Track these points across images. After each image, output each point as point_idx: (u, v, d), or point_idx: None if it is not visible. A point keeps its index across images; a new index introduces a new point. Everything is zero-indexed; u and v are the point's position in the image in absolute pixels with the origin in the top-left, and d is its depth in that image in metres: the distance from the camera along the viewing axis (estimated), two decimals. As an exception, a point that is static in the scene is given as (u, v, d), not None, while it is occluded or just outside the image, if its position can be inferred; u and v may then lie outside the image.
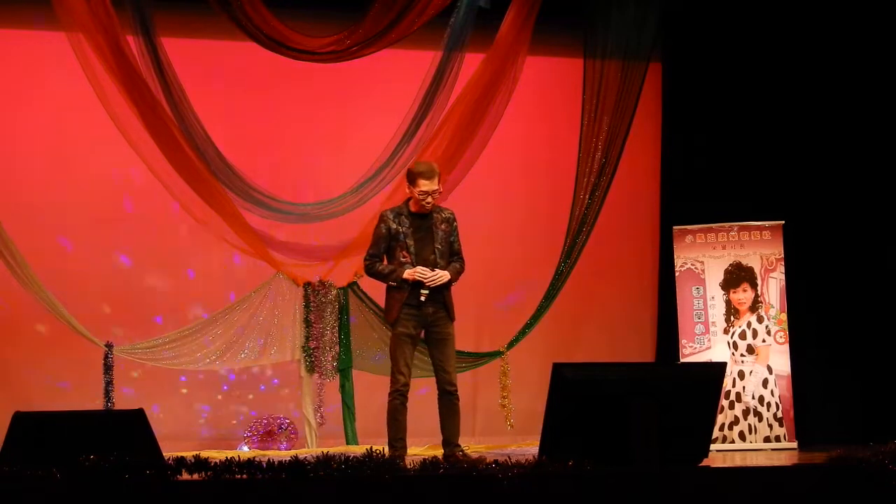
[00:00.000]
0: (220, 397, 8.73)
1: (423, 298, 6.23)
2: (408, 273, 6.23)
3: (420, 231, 6.33)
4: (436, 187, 6.27)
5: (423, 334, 6.43)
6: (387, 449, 6.30)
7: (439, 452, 6.22)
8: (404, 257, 6.29)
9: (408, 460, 5.08)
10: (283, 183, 8.39)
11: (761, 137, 8.99)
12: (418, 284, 6.24)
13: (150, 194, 8.25)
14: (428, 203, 6.29)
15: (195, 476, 4.46)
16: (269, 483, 4.40)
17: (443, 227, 6.37)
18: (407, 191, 6.39)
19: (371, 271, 6.43)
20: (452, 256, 6.44)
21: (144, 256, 8.68)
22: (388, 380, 8.53)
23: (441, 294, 6.33)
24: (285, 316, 8.30)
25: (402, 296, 6.28)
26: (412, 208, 6.36)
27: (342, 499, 4.44)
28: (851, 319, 8.72)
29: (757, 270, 8.41)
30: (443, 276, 6.27)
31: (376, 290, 8.40)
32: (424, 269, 6.23)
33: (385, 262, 6.40)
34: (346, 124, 8.98)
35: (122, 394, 7.93)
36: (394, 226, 6.33)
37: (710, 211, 8.65)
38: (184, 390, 8.64)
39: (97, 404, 7.78)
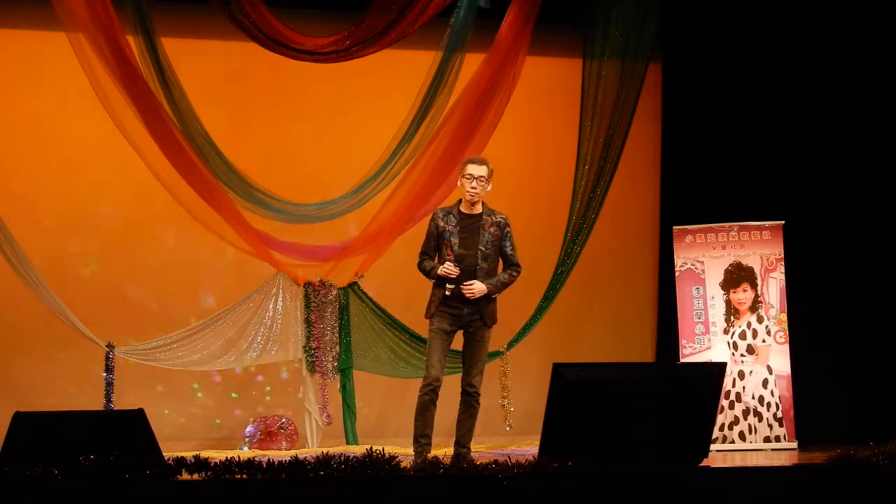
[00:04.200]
0: (220, 397, 8.74)
1: (447, 293, 6.23)
2: (439, 269, 6.25)
3: (466, 230, 6.32)
4: (482, 174, 6.28)
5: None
6: (412, 445, 6.31)
7: (440, 452, 6.22)
8: (448, 255, 6.30)
9: (407, 460, 5.08)
10: (283, 183, 8.38)
11: (761, 137, 8.99)
12: (451, 280, 6.24)
13: (151, 194, 8.24)
14: (473, 189, 6.28)
15: (195, 476, 4.46)
16: (269, 483, 4.40)
17: (492, 229, 6.36)
18: (458, 183, 6.42)
19: (419, 268, 6.44)
20: (505, 262, 6.44)
21: (145, 256, 8.69)
22: (388, 380, 8.62)
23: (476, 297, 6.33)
24: (286, 316, 8.30)
25: (441, 293, 6.28)
26: (462, 208, 6.38)
27: (342, 499, 4.43)
28: (851, 319, 8.72)
29: (757, 270, 8.41)
30: (478, 289, 6.27)
31: (376, 291, 8.43)
32: (450, 264, 6.23)
33: (436, 260, 6.42)
34: (346, 124, 8.97)
35: (122, 394, 7.93)
36: (441, 223, 6.35)
37: (710, 211, 8.65)
38: (184, 390, 8.64)
39: (97, 404, 7.78)
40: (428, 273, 6.37)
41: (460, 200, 6.41)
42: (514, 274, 6.44)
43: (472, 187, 6.28)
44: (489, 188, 6.35)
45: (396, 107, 8.31)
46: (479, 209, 6.37)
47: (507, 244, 6.43)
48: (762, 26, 8.92)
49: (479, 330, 6.34)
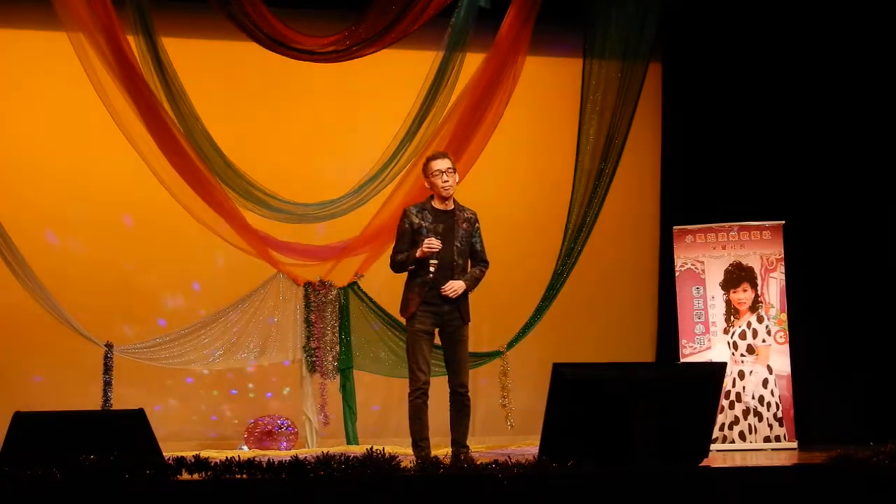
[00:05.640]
0: (220, 397, 8.74)
1: (431, 269, 6.21)
2: (422, 249, 6.20)
3: (442, 227, 6.33)
4: (449, 166, 6.30)
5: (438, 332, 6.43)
6: (411, 449, 6.33)
7: (440, 452, 6.23)
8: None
9: (406, 460, 5.08)
10: (284, 183, 8.39)
11: (761, 137, 8.99)
12: (435, 256, 6.22)
13: (150, 193, 8.24)
14: (446, 183, 6.28)
15: (195, 476, 4.46)
16: (269, 483, 4.40)
17: (464, 225, 6.38)
18: (426, 184, 6.41)
19: (393, 263, 6.40)
20: (474, 258, 6.45)
21: (144, 256, 8.69)
22: (388, 380, 8.61)
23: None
24: (286, 316, 8.30)
25: (422, 290, 6.27)
26: (436, 204, 6.37)
27: (342, 499, 4.43)
28: (851, 319, 8.72)
29: (757, 270, 8.41)
30: (458, 286, 6.28)
31: (377, 291, 8.43)
32: (431, 238, 6.20)
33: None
34: (347, 124, 8.98)
35: (122, 394, 7.93)
36: (416, 220, 6.33)
37: (710, 211, 8.65)
38: (184, 390, 8.64)
39: (97, 404, 7.78)
40: (405, 262, 6.32)
41: (431, 197, 6.41)
42: (484, 269, 6.49)
43: (445, 181, 6.30)
44: (458, 179, 6.37)
45: (396, 107, 8.31)
46: (451, 205, 6.38)
47: (477, 240, 6.46)
48: (762, 26, 8.92)
49: (460, 329, 6.37)
